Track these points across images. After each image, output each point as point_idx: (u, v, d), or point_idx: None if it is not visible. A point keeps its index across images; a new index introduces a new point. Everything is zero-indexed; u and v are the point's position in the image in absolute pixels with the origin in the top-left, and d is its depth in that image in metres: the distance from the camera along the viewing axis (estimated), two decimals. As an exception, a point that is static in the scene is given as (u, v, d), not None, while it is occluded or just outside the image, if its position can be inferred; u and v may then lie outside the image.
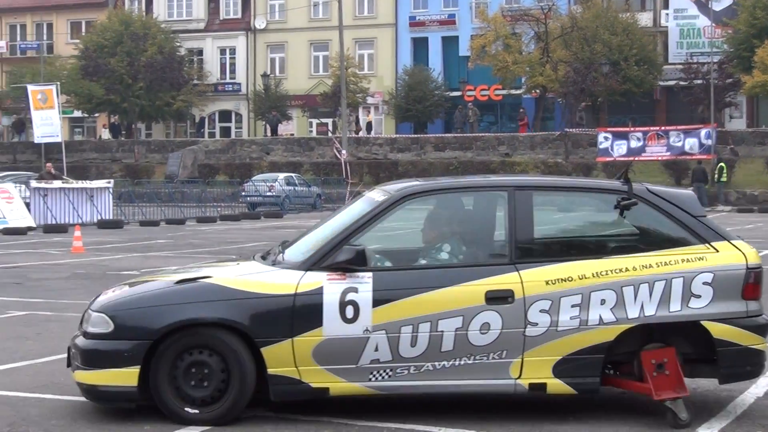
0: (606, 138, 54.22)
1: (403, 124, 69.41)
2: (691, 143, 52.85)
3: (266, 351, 7.86)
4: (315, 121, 73.22)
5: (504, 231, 8.27)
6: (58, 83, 54.58)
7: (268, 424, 7.97)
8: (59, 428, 7.84)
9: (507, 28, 64.18)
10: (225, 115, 77.68)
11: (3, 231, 32.03)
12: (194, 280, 8.24)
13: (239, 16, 76.60)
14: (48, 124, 49.49)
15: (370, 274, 7.98)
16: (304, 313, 7.88)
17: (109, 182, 40.39)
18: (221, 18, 77.12)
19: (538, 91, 64.53)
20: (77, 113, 76.09)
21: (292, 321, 7.88)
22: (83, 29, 79.47)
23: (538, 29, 63.56)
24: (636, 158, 49.70)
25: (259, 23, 75.40)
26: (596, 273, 8.05)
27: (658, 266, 8.09)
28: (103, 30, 71.47)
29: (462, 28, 70.92)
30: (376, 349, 7.89)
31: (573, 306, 7.99)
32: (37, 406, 8.51)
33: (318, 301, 7.89)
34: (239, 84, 76.40)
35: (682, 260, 8.15)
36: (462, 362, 7.96)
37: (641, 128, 56.27)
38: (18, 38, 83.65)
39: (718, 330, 8.06)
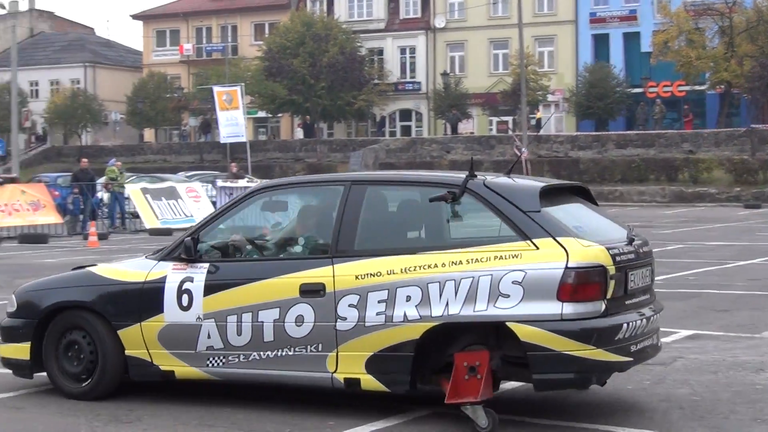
0: (795, 134, 52.53)
1: (583, 122, 68.63)
2: None
3: (122, 333, 8.64)
4: (495, 119, 73.04)
5: (332, 225, 8.33)
6: (243, 84, 55.75)
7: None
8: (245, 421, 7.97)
9: (690, 23, 62.82)
10: (405, 114, 78.15)
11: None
12: (83, 267, 9.42)
13: (419, 15, 76.92)
14: (233, 124, 50.53)
15: (206, 264, 8.49)
16: (148, 299, 8.58)
17: (291, 181, 40.96)
18: (401, 18, 77.59)
19: (722, 86, 62.95)
20: (261, 113, 77.71)
21: (140, 306, 8.59)
22: (266, 31, 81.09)
23: (723, 23, 62.00)
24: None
25: (439, 22, 75.60)
26: (404, 269, 7.79)
27: (468, 263, 7.65)
28: (285, 31, 72.73)
29: (643, 23, 69.71)
30: (209, 337, 8.36)
31: (379, 302, 7.83)
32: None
33: (161, 289, 8.56)
34: (419, 83, 76.75)
35: (495, 257, 7.63)
36: (284, 353, 8.14)
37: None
38: (204, 41, 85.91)
39: (525, 332, 7.44)
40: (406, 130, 76.75)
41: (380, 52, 77.62)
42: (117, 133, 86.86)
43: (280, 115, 78.39)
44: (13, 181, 36.57)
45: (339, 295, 7.95)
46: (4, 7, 69.14)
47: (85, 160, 37.10)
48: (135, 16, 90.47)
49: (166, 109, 79.69)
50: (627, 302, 7.93)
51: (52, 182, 39.23)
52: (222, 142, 57.28)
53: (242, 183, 37.79)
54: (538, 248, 7.61)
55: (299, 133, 75.23)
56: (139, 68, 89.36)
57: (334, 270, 8.02)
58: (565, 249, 7.56)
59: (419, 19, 76.90)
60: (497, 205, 7.88)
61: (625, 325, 7.69)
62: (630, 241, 8.09)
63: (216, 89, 52.62)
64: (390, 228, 8.51)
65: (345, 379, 7.96)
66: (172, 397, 8.70)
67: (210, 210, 35.03)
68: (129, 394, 8.73)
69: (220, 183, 37.63)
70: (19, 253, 25.08)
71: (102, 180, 35.63)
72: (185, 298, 8.45)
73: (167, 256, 8.73)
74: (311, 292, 8.03)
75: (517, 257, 7.62)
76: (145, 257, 9.09)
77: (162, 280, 8.57)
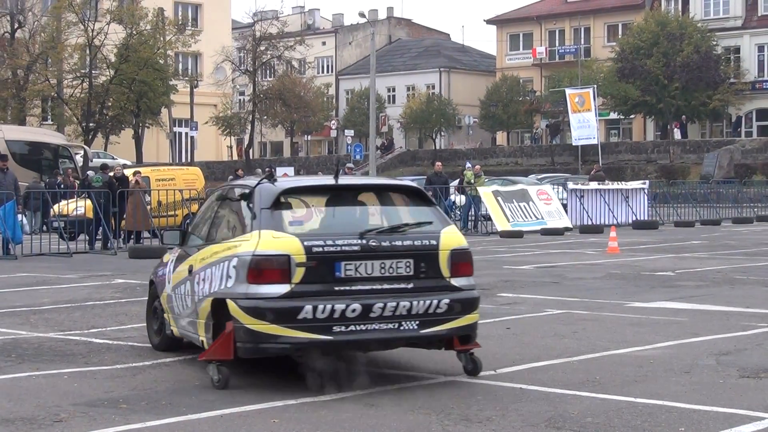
0: None
1: None
2: None
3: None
4: None
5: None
6: (595, 86, 55.47)
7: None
8: (594, 426, 7.94)
9: None
10: (763, 114, 75.07)
11: (542, 231, 33.03)
12: None
13: (778, 10, 73.78)
14: (585, 126, 50.49)
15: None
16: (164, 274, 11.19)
17: (644, 183, 40.40)
18: (759, 14, 74.61)
19: None
20: (613, 115, 76.91)
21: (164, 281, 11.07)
22: (620, 32, 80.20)
23: None
24: None
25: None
26: (203, 257, 9.85)
27: (224, 251, 9.34)
28: (639, 32, 71.70)
29: None
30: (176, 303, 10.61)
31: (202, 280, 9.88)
32: (574, 403, 8.65)
33: (168, 265, 11.19)
34: (779, 81, 73.62)
35: (232, 247, 9.24)
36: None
37: None
38: (557, 43, 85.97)
39: (231, 307, 8.90)
40: (763, 130, 73.72)
41: (737, 50, 74.97)
42: (470, 136, 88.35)
43: (632, 116, 77.29)
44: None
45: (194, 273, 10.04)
46: (364, 16, 71.86)
47: (439, 163, 37.95)
48: (489, 21, 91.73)
49: (518, 112, 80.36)
50: (337, 288, 8.87)
51: (408, 185, 40.32)
52: (574, 144, 57.26)
53: (594, 185, 37.50)
54: (249, 240, 9.04)
55: (676, 134, 73.11)
56: (492, 72, 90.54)
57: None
58: (258, 240, 8.93)
59: (779, 15, 73.69)
60: (241, 205, 9.64)
61: (309, 307, 8.70)
62: (360, 236, 8.96)
63: (568, 91, 52.70)
64: (209, 225, 10.49)
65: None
66: (516, 398, 8.77)
67: (561, 212, 35.05)
68: (478, 395, 8.87)
69: (570, 185, 37.50)
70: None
71: (454, 183, 36.28)
72: (169, 271, 10.94)
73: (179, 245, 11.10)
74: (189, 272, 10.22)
75: (238, 247, 9.14)
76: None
77: (169, 260, 11.15)
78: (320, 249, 8.84)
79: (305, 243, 8.83)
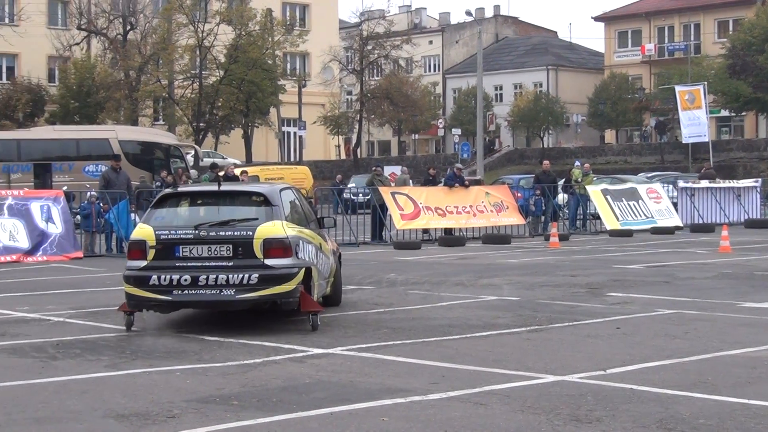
0: None
1: None
2: None
3: None
4: None
5: None
6: (705, 83, 54.54)
7: None
8: (706, 428, 7.83)
9: None
10: None
11: (651, 230, 32.64)
12: None
13: None
14: (695, 124, 49.60)
15: None
16: None
17: (756, 181, 39.65)
18: None
19: None
20: (724, 112, 75.65)
21: None
22: (730, 27, 78.85)
23: None
24: None
25: None
26: None
27: None
28: (750, 27, 70.32)
29: None
30: None
31: None
32: (685, 404, 8.55)
33: None
34: None
35: None
36: None
37: None
38: (666, 40, 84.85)
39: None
40: None
41: None
42: (578, 134, 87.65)
43: (743, 113, 75.90)
44: (477, 183, 37.87)
45: None
46: (470, 15, 71.77)
47: (546, 162, 37.68)
48: (597, 18, 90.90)
49: (627, 110, 79.49)
50: (177, 264, 12.47)
51: (515, 184, 40.20)
52: (684, 142, 56.38)
53: (704, 184, 36.95)
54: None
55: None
56: (600, 70, 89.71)
57: None
58: (139, 230, 12.96)
59: None
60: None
61: (155, 276, 12.39)
62: (195, 228, 12.55)
63: (678, 89, 51.84)
64: None
65: None
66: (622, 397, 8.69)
67: (671, 211, 34.59)
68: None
69: (681, 184, 37.00)
70: (483, 254, 25.89)
71: (562, 182, 36.03)
72: None
73: None
74: None
75: None
76: None
77: None
78: (166, 236, 12.59)
79: (156, 232, 12.62)
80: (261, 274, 12.31)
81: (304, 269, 12.68)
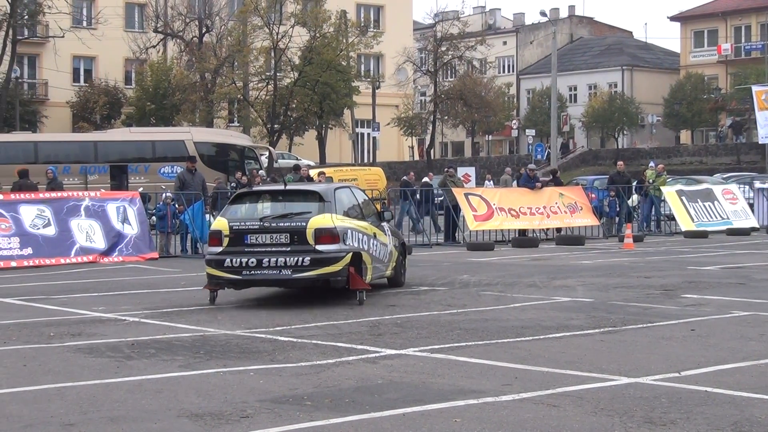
0: None
1: None
2: None
3: None
4: None
5: None
6: (785, 83, 53.77)
7: None
8: (783, 432, 7.74)
9: None
10: None
11: (727, 232, 32.27)
12: None
13: None
14: (773, 124, 49.00)
15: None
16: None
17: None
18: None
19: None
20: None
21: None
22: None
23: None
24: None
25: None
26: None
27: None
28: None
29: None
30: None
31: None
32: (761, 407, 8.45)
33: None
34: None
35: None
36: None
37: None
38: (742, 39, 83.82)
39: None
40: None
41: None
42: (653, 135, 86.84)
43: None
44: (554, 173, 37.53)
45: None
46: (545, 15, 71.44)
47: (621, 162, 37.38)
48: (672, 18, 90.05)
49: (703, 111, 78.65)
50: (246, 249, 15.06)
51: (589, 185, 39.90)
52: (760, 142, 55.72)
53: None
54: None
55: None
56: (676, 70, 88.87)
57: None
58: (217, 222, 15.85)
59: None
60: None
61: (229, 259, 15.07)
62: (260, 220, 15.26)
63: (755, 89, 51.28)
64: None
65: None
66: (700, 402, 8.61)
67: (747, 212, 34.16)
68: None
69: (757, 185, 36.51)
70: (556, 255, 25.77)
71: (635, 183, 35.72)
72: None
73: None
74: None
75: None
76: None
77: None
78: (237, 227, 15.22)
79: (230, 224, 15.28)
80: (312, 257, 14.87)
81: (351, 253, 15.13)
